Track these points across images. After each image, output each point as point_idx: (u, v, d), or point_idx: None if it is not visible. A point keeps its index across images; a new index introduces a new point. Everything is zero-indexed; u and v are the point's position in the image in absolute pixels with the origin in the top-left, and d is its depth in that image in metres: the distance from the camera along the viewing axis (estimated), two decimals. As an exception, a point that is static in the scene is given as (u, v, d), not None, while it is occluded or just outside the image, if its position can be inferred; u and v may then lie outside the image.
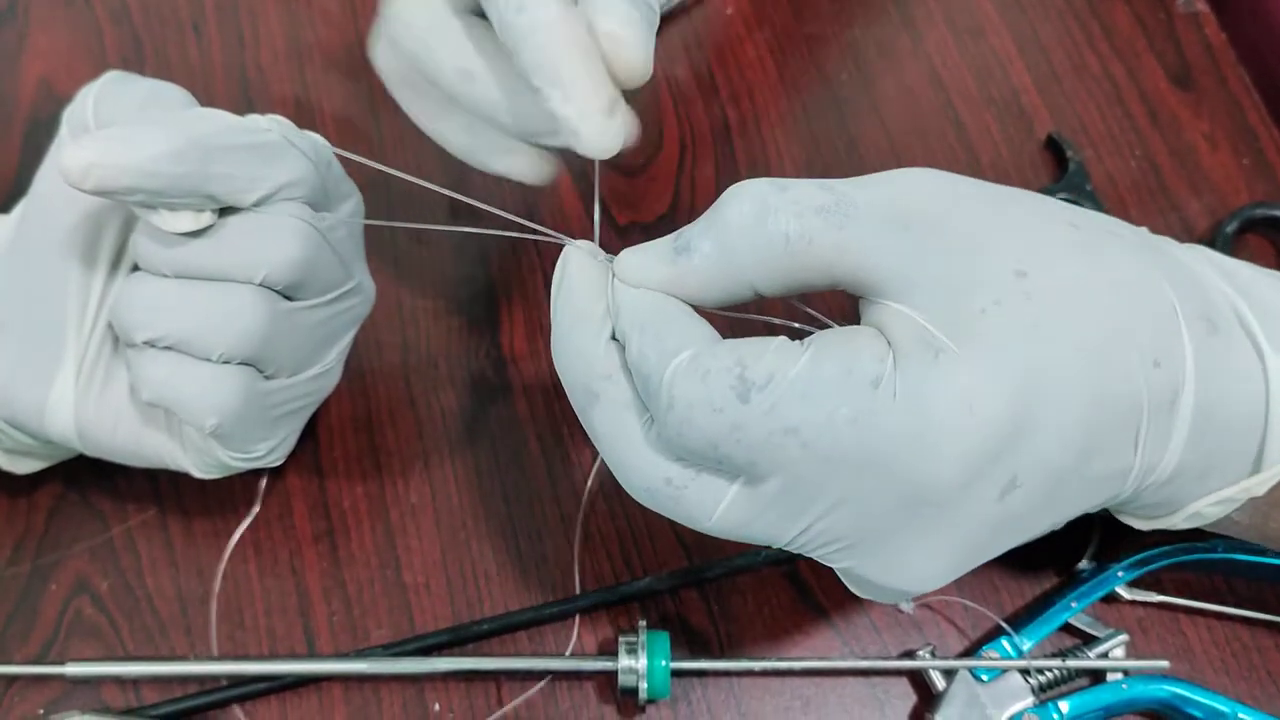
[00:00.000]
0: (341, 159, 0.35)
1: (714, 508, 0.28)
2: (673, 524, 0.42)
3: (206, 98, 0.49)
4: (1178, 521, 0.31)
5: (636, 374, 0.28)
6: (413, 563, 0.41)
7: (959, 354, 0.26)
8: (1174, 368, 0.28)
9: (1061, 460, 0.27)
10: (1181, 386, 0.28)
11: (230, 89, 0.50)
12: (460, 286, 0.46)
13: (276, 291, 0.34)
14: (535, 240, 0.47)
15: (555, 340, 0.30)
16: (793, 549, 0.29)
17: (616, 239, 0.48)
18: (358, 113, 0.49)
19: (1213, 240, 0.47)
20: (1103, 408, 0.27)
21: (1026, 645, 0.39)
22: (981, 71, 0.52)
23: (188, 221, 0.32)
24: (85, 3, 0.51)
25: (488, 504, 0.42)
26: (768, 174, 0.49)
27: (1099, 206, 0.47)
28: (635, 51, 0.31)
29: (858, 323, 0.29)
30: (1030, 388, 0.26)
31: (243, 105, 0.49)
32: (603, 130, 0.31)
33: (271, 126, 0.34)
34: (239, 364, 0.34)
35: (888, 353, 0.26)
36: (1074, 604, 0.39)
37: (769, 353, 0.26)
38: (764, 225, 0.27)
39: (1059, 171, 0.49)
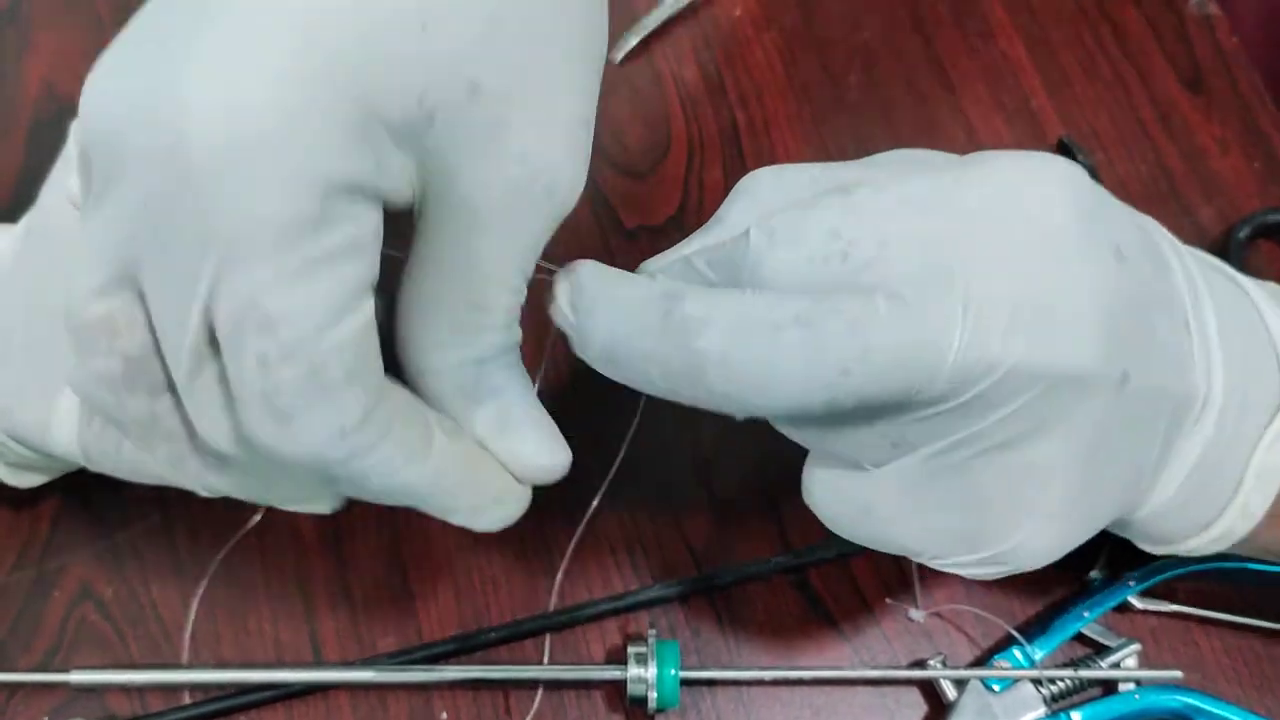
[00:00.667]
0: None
1: (874, 307, 0.26)
2: (682, 531, 0.42)
3: (211, 99, 0.49)
4: (1231, 521, 0.31)
5: (709, 265, 0.29)
6: (419, 570, 0.41)
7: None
8: (1190, 274, 0.30)
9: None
10: (1202, 296, 0.30)
11: (235, 90, 0.49)
12: (467, 290, 0.46)
13: None
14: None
15: (612, 349, 0.27)
16: (966, 364, 0.25)
17: (624, 243, 0.47)
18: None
19: (1225, 245, 0.47)
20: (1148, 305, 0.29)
21: (1038, 655, 0.38)
22: (992, 75, 0.51)
23: None
24: (88, 2, 0.51)
25: (495, 510, 0.42)
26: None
27: (1110, 211, 0.47)
28: (555, 474, 0.30)
29: None
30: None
31: (247, 107, 0.49)
32: (496, 520, 0.30)
33: None
34: None
35: None
36: (1086, 614, 0.39)
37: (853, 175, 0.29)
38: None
39: (1070, 176, 0.49)
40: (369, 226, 0.24)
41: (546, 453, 0.29)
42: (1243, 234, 0.47)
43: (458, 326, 0.27)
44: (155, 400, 0.26)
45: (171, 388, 0.26)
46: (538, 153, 0.25)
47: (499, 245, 0.26)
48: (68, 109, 0.49)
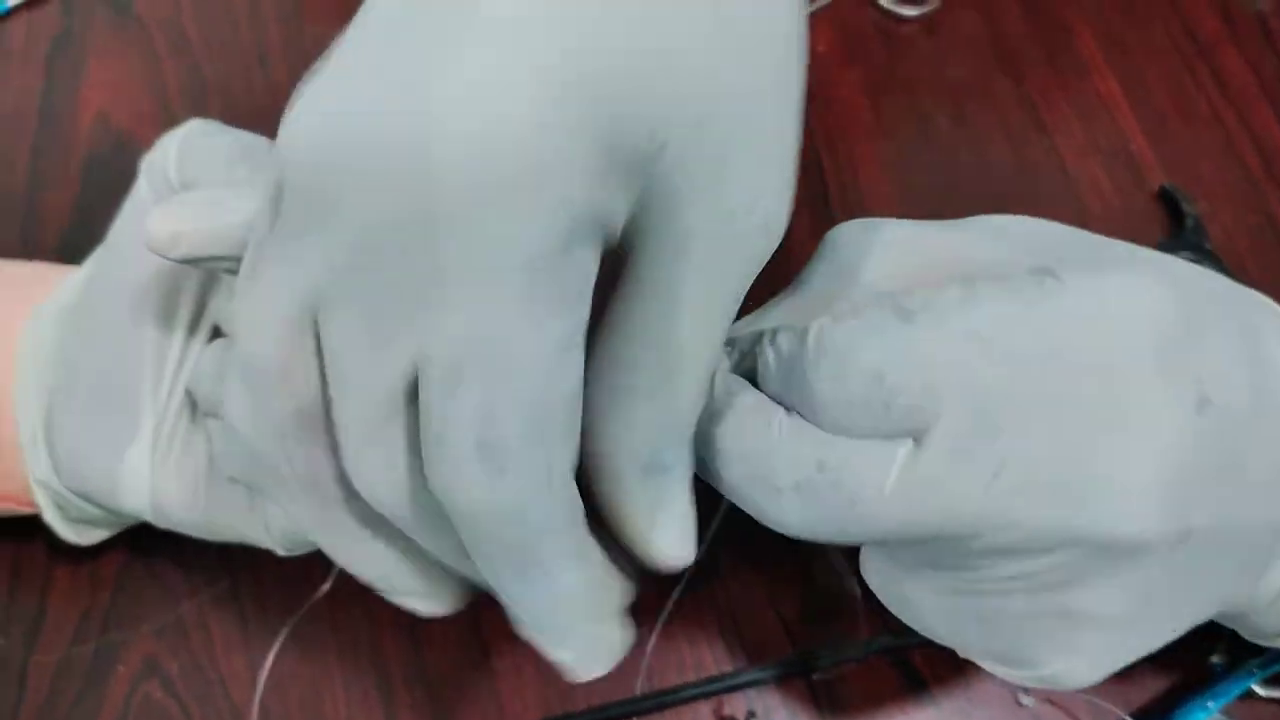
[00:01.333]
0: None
1: (885, 476, 0.25)
2: (775, 606, 0.40)
3: (274, 136, 0.47)
4: None
5: (775, 355, 0.27)
6: (500, 646, 0.39)
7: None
8: None
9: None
10: None
11: (298, 125, 0.47)
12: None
13: None
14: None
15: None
16: (988, 522, 0.25)
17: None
18: (432, 153, 0.47)
19: (1337, 302, 0.45)
20: None
21: (1161, 748, 0.36)
22: (1087, 115, 0.49)
23: None
24: (144, 31, 0.49)
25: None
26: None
27: (1221, 266, 0.45)
28: (677, 569, 0.28)
29: None
30: None
31: (310, 143, 0.47)
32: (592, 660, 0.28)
33: None
34: None
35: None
36: (1210, 704, 0.37)
37: (917, 291, 0.25)
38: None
39: (1173, 226, 0.47)
40: (593, 269, 0.23)
41: (681, 547, 0.27)
42: (1358, 291, 0.45)
43: (653, 387, 0.25)
44: (320, 456, 0.25)
45: (333, 447, 0.25)
46: (756, 188, 0.24)
47: (707, 291, 0.24)
48: (124, 142, 0.47)
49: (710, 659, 0.39)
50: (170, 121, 0.47)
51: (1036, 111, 0.49)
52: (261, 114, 0.47)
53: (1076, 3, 0.51)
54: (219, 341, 0.32)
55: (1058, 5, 0.51)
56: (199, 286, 0.34)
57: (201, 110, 0.47)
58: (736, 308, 0.25)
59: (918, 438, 0.25)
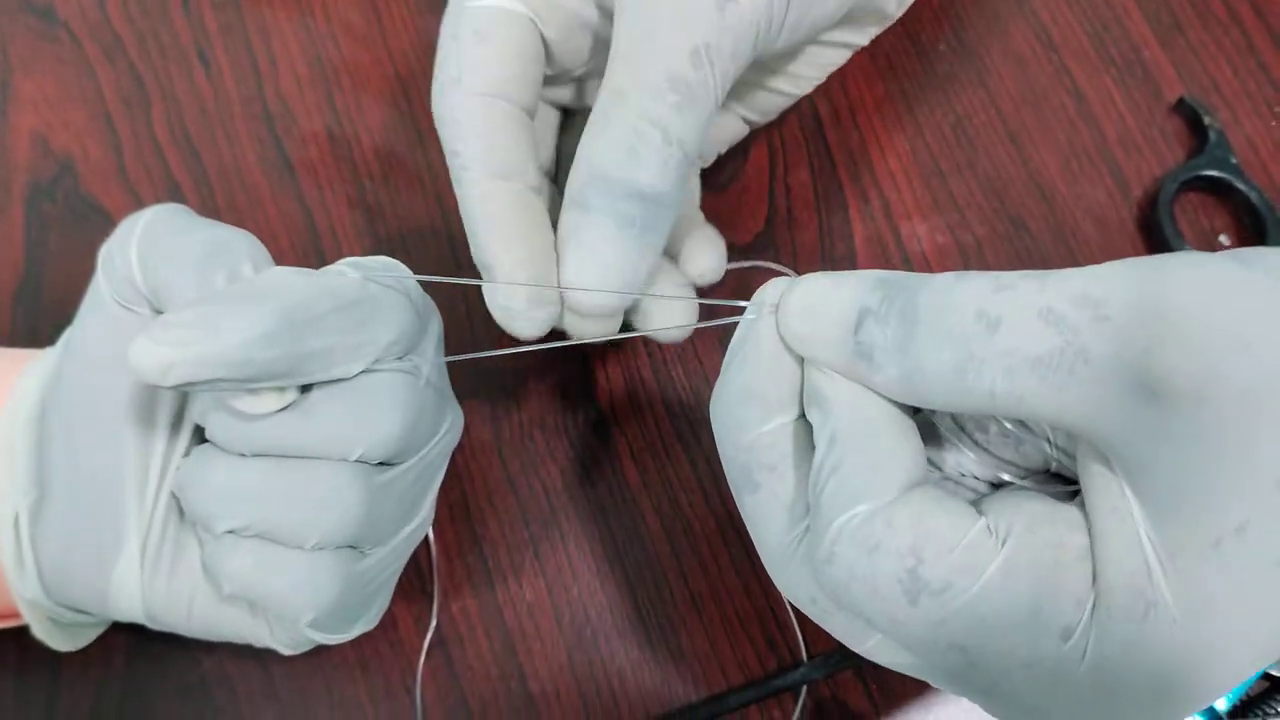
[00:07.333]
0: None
1: (864, 641, 0.26)
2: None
3: (227, 140, 0.43)
4: None
5: (812, 486, 0.24)
6: (537, 670, 0.37)
7: (1175, 618, 0.21)
8: None
9: None
10: None
11: (253, 126, 0.43)
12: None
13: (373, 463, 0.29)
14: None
15: (720, 400, 0.26)
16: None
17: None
18: (402, 144, 0.43)
19: (1373, 209, 0.42)
20: None
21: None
22: (1096, 26, 0.46)
23: (271, 402, 0.27)
24: (71, 39, 0.44)
25: (610, 592, 0.38)
26: (870, 172, 0.44)
27: (1246, 181, 0.42)
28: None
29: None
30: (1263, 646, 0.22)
31: (269, 144, 0.43)
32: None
33: (355, 273, 0.29)
34: (335, 548, 0.29)
35: (1089, 594, 0.22)
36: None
37: (956, 551, 0.22)
38: (964, 379, 0.22)
39: (1195, 142, 0.44)
40: None
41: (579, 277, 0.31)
42: (1395, 196, 0.42)
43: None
44: None
45: None
46: None
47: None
48: (68, 165, 0.43)
49: (754, 659, 0.38)
50: (113, 137, 0.43)
51: (1043, 27, 0.46)
52: (209, 119, 0.43)
53: (1075, -99, 0.47)
54: (208, 449, 0.29)
55: (1055, -95, 0.47)
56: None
57: (145, 121, 0.43)
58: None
59: None
